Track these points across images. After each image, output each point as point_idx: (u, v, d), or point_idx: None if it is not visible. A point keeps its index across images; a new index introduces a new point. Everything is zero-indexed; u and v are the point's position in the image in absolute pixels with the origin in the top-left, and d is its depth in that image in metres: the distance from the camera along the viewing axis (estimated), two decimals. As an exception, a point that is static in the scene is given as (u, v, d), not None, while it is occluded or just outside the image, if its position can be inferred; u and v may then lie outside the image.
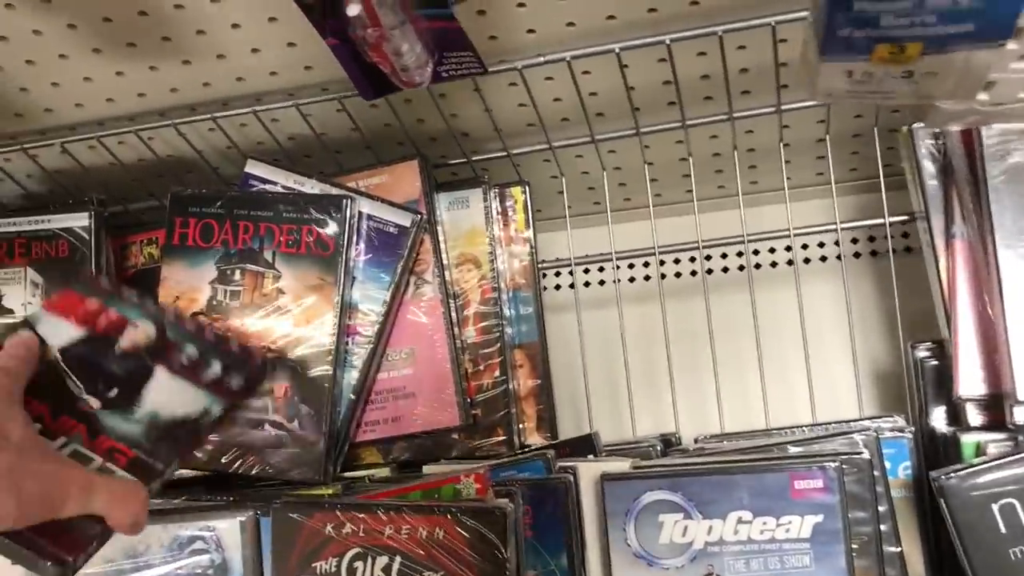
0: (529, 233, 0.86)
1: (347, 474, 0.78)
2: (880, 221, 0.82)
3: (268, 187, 0.81)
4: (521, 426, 0.82)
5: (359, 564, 0.64)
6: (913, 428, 0.74)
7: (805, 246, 0.96)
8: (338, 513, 0.65)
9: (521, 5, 0.69)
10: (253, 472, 0.74)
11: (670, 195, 0.96)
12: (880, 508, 0.68)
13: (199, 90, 0.79)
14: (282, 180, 0.81)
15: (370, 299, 0.78)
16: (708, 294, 0.85)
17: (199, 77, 0.77)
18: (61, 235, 0.82)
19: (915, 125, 0.75)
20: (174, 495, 0.73)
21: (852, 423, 0.77)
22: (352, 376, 0.77)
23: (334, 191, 0.80)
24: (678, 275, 1.00)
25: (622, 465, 0.72)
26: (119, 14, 0.69)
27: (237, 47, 0.73)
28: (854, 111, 0.83)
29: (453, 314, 0.80)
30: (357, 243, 0.79)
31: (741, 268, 0.98)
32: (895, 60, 0.39)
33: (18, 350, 0.58)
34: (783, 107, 0.79)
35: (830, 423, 0.79)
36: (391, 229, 0.79)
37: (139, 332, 0.64)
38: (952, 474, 0.64)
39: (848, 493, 0.65)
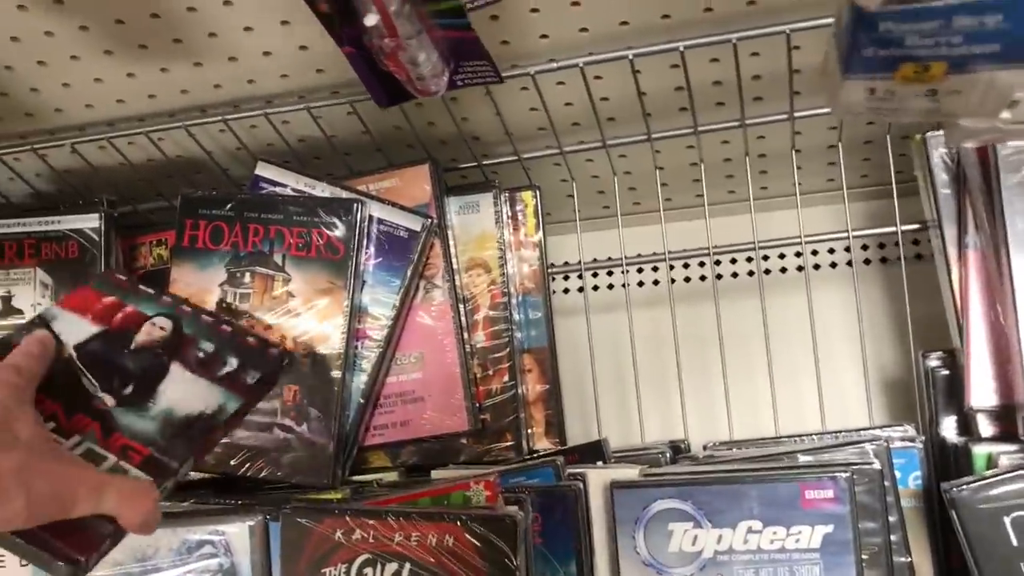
0: (539, 238, 0.85)
1: (355, 478, 0.78)
2: (892, 229, 0.82)
3: (278, 189, 0.81)
4: (529, 431, 0.82)
5: (368, 570, 0.63)
6: (923, 438, 0.74)
7: (815, 252, 0.96)
8: (348, 519, 0.65)
9: (534, 10, 0.69)
10: (262, 475, 0.74)
11: (680, 199, 0.96)
12: (890, 518, 0.67)
13: (210, 92, 0.79)
14: (292, 183, 0.81)
15: (380, 303, 0.78)
16: (718, 299, 0.84)
17: (210, 79, 0.77)
18: (71, 236, 0.82)
19: (929, 133, 0.75)
20: (182, 498, 0.73)
21: (862, 432, 0.76)
22: (361, 380, 0.77)
23: (344, 194, 0.80)
24: (687, 280, 0.99)
25: (631, 472, 0.72)
26: (131, 16, 0.69)
27: (249, 49, 0.73)
28: (867, 118, 0.82)
29: (462, 319, 0.80)
30: (367, 247, 0.79)
31: (751, 274, 0.98)
32: (919, 79, 0.39)
33: (32, 348, 0.58)
34: (796, 114, 0.78)
35: (840, 431, 0.78)
36: (401, 233, 0.79)
37: (155, 328, 0.64)
38: (964, 486, 0.64)
39: (858, 503, 0.65)
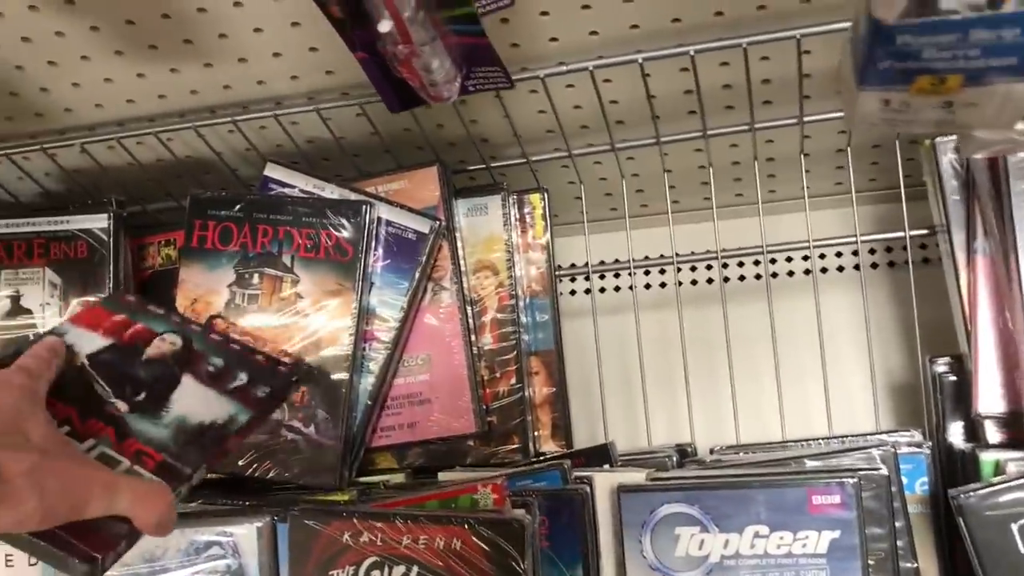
0: (546, 240, 0.85)
1: (362, 479, 0.78)
2: (900, 234, 0.82)
3: (287, 191, 0.81)
4: (536, 433, 0.82)
5: (376, 573, 0.64)
6: (930, 443, 0.74)
7: (822, 256, 0.96)
8: (355, 521, 0.65)
9: (544, 13, 0.69)
10: (269, 476, 0.74)
11: (688, 202, 0.96)
12: (897, 524, 0.67)
13: (219, 92, 0.79)
14: (301, 184, 0.81)
15: (388, 305, 0.78)
16: (726, 302, 0.84)
17: (220, 80, 0.77)
18: (80, 236, 0.82)
19: (938, 139, 0.75)
20: (190, 499, 0.74)
21: (869, 437, 0.76)
22: (369, 381, 0.77)
23: (353, 196, 0.80)
24: (694, 282, 0.99)
25: (638, 476, 0.72)
26: (142, 16, 0.69)
27: (259, 51, 0.73)
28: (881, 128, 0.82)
29: (470, 321, 0.80)
30: (375, 249, 0.79)
31: (758, 277, 0.98)
32: (935, 91, 0.39)
33: (42, 351, 0.58)
34: (805, 119, 0.78)
35: (846, 436, 0.78)
36: (409, 235, 0.79)
37: (165, 343, 0.64)
38: (971, 493, 0.64)
39: (865, 508, 0.65)
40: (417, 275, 0.78)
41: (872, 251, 0.96)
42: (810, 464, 0.71)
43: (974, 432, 0.73)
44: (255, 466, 0.75)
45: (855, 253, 0.95)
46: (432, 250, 0.79)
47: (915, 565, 0.68)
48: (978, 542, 0.63)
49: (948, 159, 0.74)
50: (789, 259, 0.96)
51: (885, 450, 0.70)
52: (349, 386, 0.75)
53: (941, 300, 0.78)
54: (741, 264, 0.98)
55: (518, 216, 0.85)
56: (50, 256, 0.82)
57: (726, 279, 0.97)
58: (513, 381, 0.81)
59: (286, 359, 0.72)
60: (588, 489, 0.70)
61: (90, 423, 0.57)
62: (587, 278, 0.98)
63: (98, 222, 0.83)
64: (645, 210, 0.97)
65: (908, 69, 0.38)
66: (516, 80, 0.72)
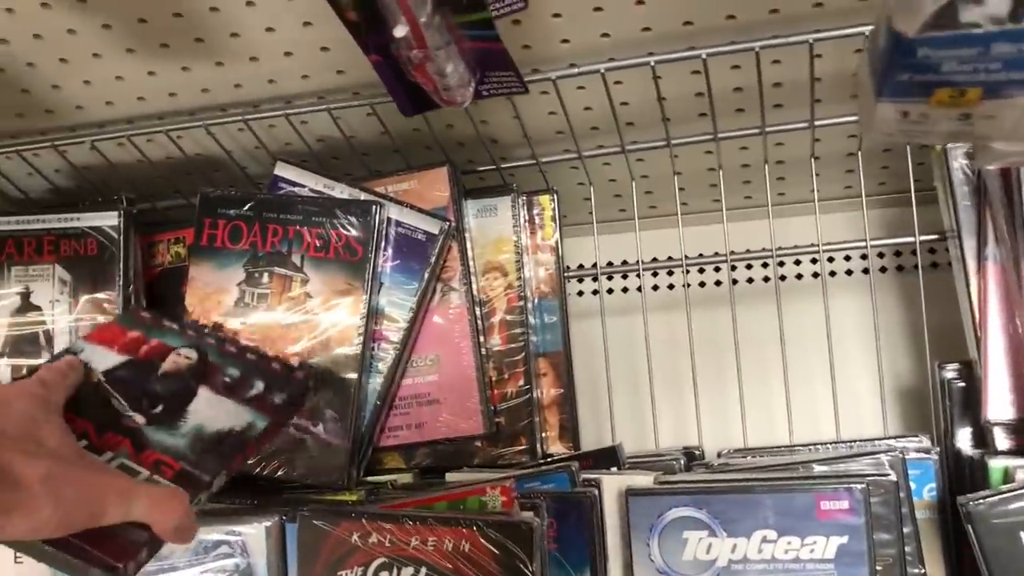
0: (555, 241, 0.85)
1: (369, 479, 0.78)
2: (910, 239, 0.81)
3: (297, 190, 0.81)
4: (544, 435, 0.82)
5: (384, 574, 0.64)
6: (938, 449, 0.73)
7: (831, 259, 0.96)
8: (364, 522, 0.65)
9: (556, 15, 0.69)
10: (277, 475, 0.74)
11: (696, 204, 0.96)
12: (905, 530, 0.67)
13: (230, 91, 0.79)
14: (311, 183, 0.81)
15: (397, 305, 0.78)
16: (735, 305, 0.84)
17: (231, 78, 0.77)
18: (90, 233, 0.82)
19: (949, 144, 0.74)
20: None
21: (877, 442, 0.76)
22: (377, 381, 0.77)
23: (363, 196, 0.80)
24: (702, 284, 0.99)
25: (646, 479, 0.72)
26: (154, 15, 0.69)
27: (270, 50, 0.73)
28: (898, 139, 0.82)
29: (479, 322, 0.80)
30: (385, 249, 0.79)
31: (766, 280, 0.98)
32: (954, 104, 0.39)
33: (58, 365, 0.58)
34: (816, 123, 0.78)
35: (854, 441, 0.78)
36: (419, 236, 0.79)
37: (180, 358, 0.65)
38: (980, 500, 0.64)
39: (873, 514, 0.65)
40: (426, 276, 0.78)
41: (881, 255, 0.95)
42: (818, 469, 0.71)
43: (982, 438, 0.73)
44: (263, 465, 0.75)
45: (864, 257, 0.95)
46: (442, 251, 0.79)
47: (922, 571, 0.68)
48: (987, 549, 0.63)
49: (959, 164, 0.74)
50: (798, 262, 0.96)
51: (893, 456, 0.70)
52: (358, 386, 0.75)
53: (949, 305, 0.78)
54: (749, 267, 0.98)
55: (527, 217, 0.85)
56: (60, 253, 0.82)
57: (734, 281, 0.97)
58: (521, 382, 0.81)
59: (300, 366, 0.72)
60: (596, 492, 0.70)
61: (107, 437, 0.57)
62: (595, 279, 0.98)
63: (108, 219, 0.83)
64: (654, 211, 0.97)
65: (928, 82, 0.38)
66: (527, 82, 0.72)
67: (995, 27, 0.36)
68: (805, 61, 0.71)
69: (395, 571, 0.64)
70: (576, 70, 0.73)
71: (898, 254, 0.95)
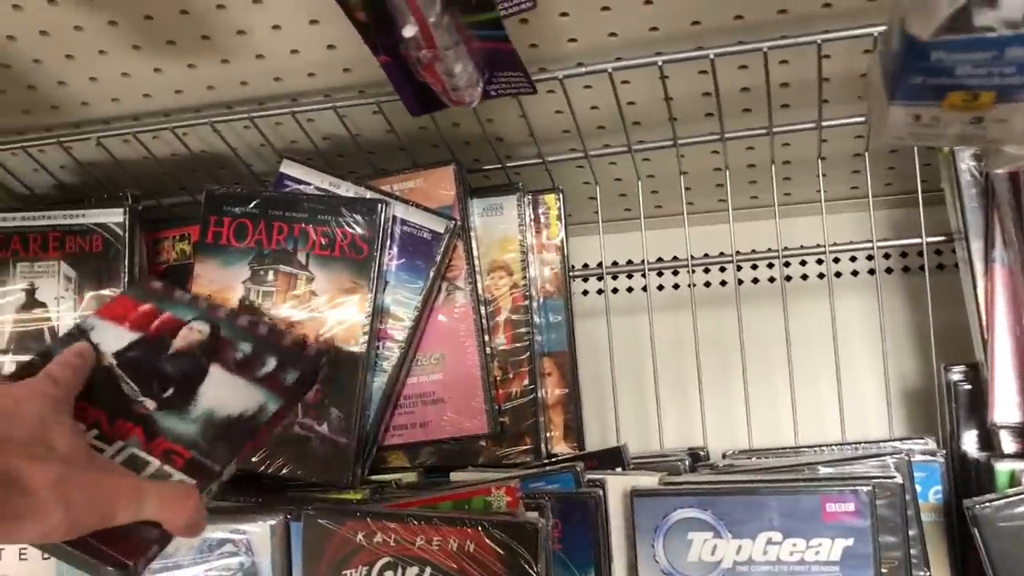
0: (561, 241, 0.85)
1: (374, 477, 0.78)
2: (917, 240, 0.81)
3: (302, 188, 0.81)
4: (548, 434, 0.82)
5: (389, 573, 0.64)
6: (944, 452, 0.73)
7: (836, 260, 0.96)
8: (369, 522, 0.65)
9: (564, 15, 0.68)
10: (282, 473, 0.74)
11: (702, 204, 0.96)
12: (910, 532, 0.67)
13: (236, 89, 0.79)
14: (316, 181, 0.81)
15: (402, 304, 0.78)
16: (740, 305, 0.84)
17: (237, 76, 0.77)
18: (95, 230, 0.82)
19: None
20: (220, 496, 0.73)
21: (882, 444, 0.76)
22: (382, 380, 0.77)
23: (369, 194, 0.80)
24: (707, 284, 0.99)
25: (651, 480, 0.72)
26: (160, 12, 0.69)
27: (276, 48, 0.73)
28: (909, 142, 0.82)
29: (484, 321, 0.80)
30: (390, 247, 0.79)
31: (771, 280, 0.97)
32: (967, 107, 0.39)
33: (69, 359, 0.58)
34: (824, 123, 0.78)
35: (859, 442, 0.78)
36: (425, 235, 0.79)
37: (192, 332, 0.64)
38: (987, 504, 0.63)
39: (879, 517, 0.65)
40: (432, 274, 0.78)
41: (887, 256, 0.95)
42: (824, 471, 0.70)
43: (989, 441, 0.72)
44: (268, 463, 0.75)
45: (869, 258, 0.95)
46: (447, 250, 0.79)
47: (928, 574, 0.68)
48: (993, 553, 0.63)
49: (967, 166, 0.74)
50: (803, 263, 0.96)
51: (899, 458, 0.70)
52: (363, 384, 0.75)
53: (954, 307, 0.78)
54: (755, 267, 0.98)
55: (533, 216, 0.85)
56: (65, 249, 0.82)
57: (740, 282, 0.97)
58: (526, 382, 0.81)
59: (313, 342, 0.72)
60: (601, 492, 0.70)
61: (118, 424, 0.57)
62: (600, 278, 0.98)
63: (113, 216, 0.82)
64: (659, 211, 0.97)
65: (940, 85, 0.38)
66: (535, 81, 0.71)
67: (1009, 31, 0.36)
68: (813, 61, 0.71)
69: (400, 571, 0.64)
70: (584, 69, 0.73)
71: (904, 255, 0.95)
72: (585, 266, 0.93)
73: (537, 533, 0.62)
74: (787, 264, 0.96)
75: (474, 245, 0.82)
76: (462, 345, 0.79)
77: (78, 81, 0.78)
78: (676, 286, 1.00)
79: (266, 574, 0.69)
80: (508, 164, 0.86)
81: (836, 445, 0.78)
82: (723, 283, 0.99)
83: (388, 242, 0.78)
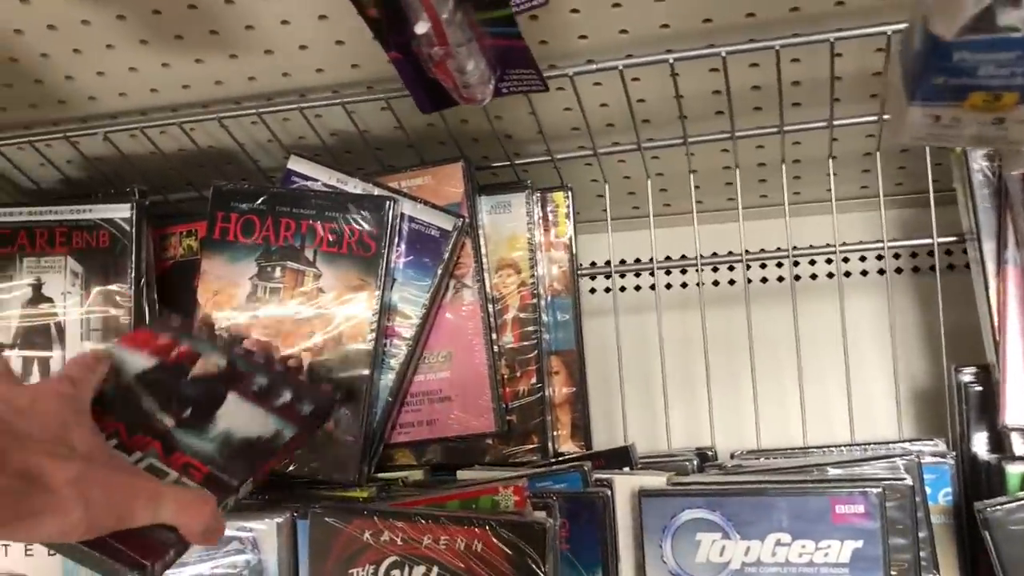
0: (569, 239, 0.85)
1: (380, 475, 0.78)
2: (928, 241, 0.81)
3: (310, 184, 0.81)
4: (555, 433, 0.82)
5: (396, 572, 0.63)
6: (954, 453, 0.73)
7: (846, 259, 0.95)
8: (376, 520, 0.65)
9: (575, 11, 0.68)
10: (288, 471, 0.74)
11: (711, 202, 0.95)
12: (920, 534, 0.67)
13: (244, 84, 0.78)
14: (324, 178, 0.81)
15: (409, 301, 0.78)
16: (750, 305, 0.84)
17: (245, 71, 0.77)
18: (102, 225, 0.82)
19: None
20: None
21: (891, 445, 0.76)
22: (389, 378, 0.77)
23: (377, 191, 0.80)
24: (716, 283, 0.99)
25: (659, 480, 0.72)
26: (168, 6, 0.69)
27: (285, 43, 0.73)
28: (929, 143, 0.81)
29: (492, 319, 0.80)
30: (398, 245, 0.78)
31: (780, 279, 0.97)
32: (988, 108, 0.38)
33: (86, 360, 0.58)
34: (835, 122, 0.77)
35: (868, 443, 0.78)
36: (433, 232, 0.78)
37: (210, 363, 0.65)
38: (998, 506, 0.63)
39: (888, 518, 0.65)
40: (439, 272, 0.78)
41: (896, 256, 0.95)
42: (833, 472, 0.70)
43: (999, 443, 0.72)
44: (274, 460, 0.74)
45: (879, 258, 0.94)
46: (455, 247, 0.79)
47: (937, 576, 0.68)
48: (1004, 556, 0.62)
49: (979, 166, 0.73)
50: (812, 262, 0.95)
51: (909, 460, 0.69)
52: (370, 382, 0.75)
53: (964, 308, 0.77)
54: (764, 266, 0.97)
55: (541, 214, 0.85)
56: (72, 245, 0.82)
57: (748, 280, 0.97)
58: (533, 380, 0.80)
59: (327, 381, 0.72)
60: (608, 492, 0.70)
61: (137, 437, 0.57)
62: (608, 277, 0.98)
63: (120, 212, 0.82)
64: (668, 209, 0.97)
65: (962, 86, 0.38)
66: (545, 78, 0.71)
67: (1033, 31, 0.35)
68: (825, 60, 0.71)
69: (407, 570, 0.63)
70: (594, 66, 0.72)
71: (913, 255, 0.94)
72: (593, 264, 0.92)
73: (545, 533, 0.62)
74: (796, 263, 0.96)
75: (482, 243, 0.82)
76: (469, 343, 0.79)
77: (85, 75, 0.77)
78: (684, 285, 0.99)
79: (272, 572, 0.69)
80: (517, 162, 0.86)
81: (845, 446, 0.78)
82: (731, 282, 0.98)
83: (396, 239, 0.78)
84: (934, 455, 0.73)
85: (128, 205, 0.82)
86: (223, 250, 0.79)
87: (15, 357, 0.79)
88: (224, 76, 0.77)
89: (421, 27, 0.49)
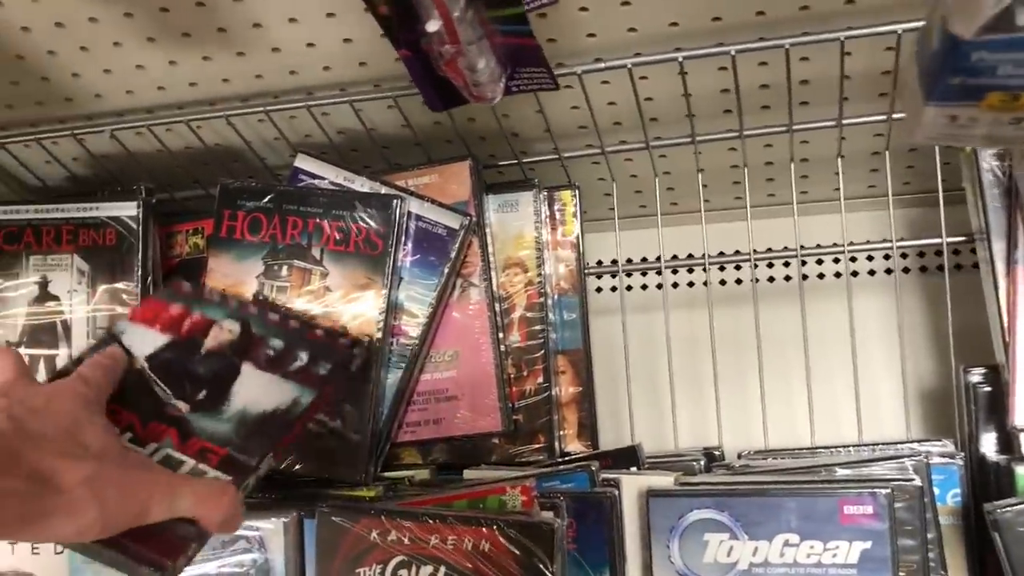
0: (576, 238, 0.84)
1: (387, 474, 0.78)
2: (937, 240, 0.80)
3: (317, 182, 0.80)
4: (561, 433, 0.82)
5: (403, 572, 0.63)
6: (963, 454, 0.73)
7: (854, 259, 0.95)
8: (384, 520, 0.65)
9: (583, 9, 0.68)
10: (295, 469, 0.74)
11: (718, 201, 0.95)
12: (928, 536, 0.67)
13: (251, 82, 0.78)
14: (331, 176, 0.81)
15: (416, 300, 0.78)
16: (758, 304, 0.83)
17: (252, 69, 0.77)
18: (109, 223, 0.82)
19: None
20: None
21: (899, 446, 0.75)
22: (396, 376, 0.77)
23: (384, 190, 0.79)
24: (723, 283, 0.98)
25: (666, 480, 0.72)
26: (176, 4, 0.69)
27: (292, 41, 0.73)
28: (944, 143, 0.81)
29: (498, 318, 0.80)
30: (405, 243, 0.78)
31: (787, 279, 0.97)
32: (1006, 107, 0.38)
33: (101, 360, 0.58)
34: (844, 121, 0.77)
35: (876, 443, 0.78)
36: (440, 231, 0.78)
37: (223, 331, 0.64)
38: (1008, 508, 0.63)
39: (897, 519, 0.64)
40: (446, 271, 0.78)
41: (904, 255, 0.94)
42: (841, 472, 0.70)
43: (1008, 444, 0.72)
44: (281, 460, 0.74)
45: (886, 257, 0.94)
46: (462, 246, 0.78)
47: (945, 578, 0.68)
48: (1013, 558, 0.62)
49: (989, 166, 0.73)
50: (820, 261, 0.95)
51: (917, 460, 0.69)
52: (376, 380, 0.75)
53: (971, 308, 0.77)
54: (771, 265, 0.97)
55: (548, 213, 0.84)
56: (79, 243, 0.81)
57: (755, 279, 0.96)
58: (540, 380, 0.80)
59: (345, 333, 0.71)
60: (616, 492, 0.70)
61: (152, 427, 0.57)
62: (615, 276, 0.97)
63: (127, 209, 0.82)
64: (675, 208, 0.96)
65: (980, 85, 0.37)
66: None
67: (1052, 31, 0.35)
68: (834, 58, 0.70)
69: (414, 570, 0.63)
70: (602, 65, 0.72)
71: (921, 255, 0.94)
72: (600, 263, 0.92)
73: (553, 533, 0.61)
74: (804, 263, 0.95)
75: (489, 242, 0.81)
76: (476, 342, 0.79)
77: (92, 73, 0.77)
78: (691, 284, 0.99)
79: (279, 571, 0.69)
80: (524, 160, 0.86)
81: (853, 446, 0.78)
82: (738, 281, 0.98)
83: (403, 238, 0.78)
84: (942, 456, 0.72)
85: (135, 203, 0.82)
86: (230, 248, 0.79)
87: (22, 355, 0.79)
88: (231, 74, 0.77)
89: (432, 25, 0.49)
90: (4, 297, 0.81)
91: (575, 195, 0.85)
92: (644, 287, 1.00)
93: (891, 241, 0.82)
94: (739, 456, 0.80)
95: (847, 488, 0.65)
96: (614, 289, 1.00)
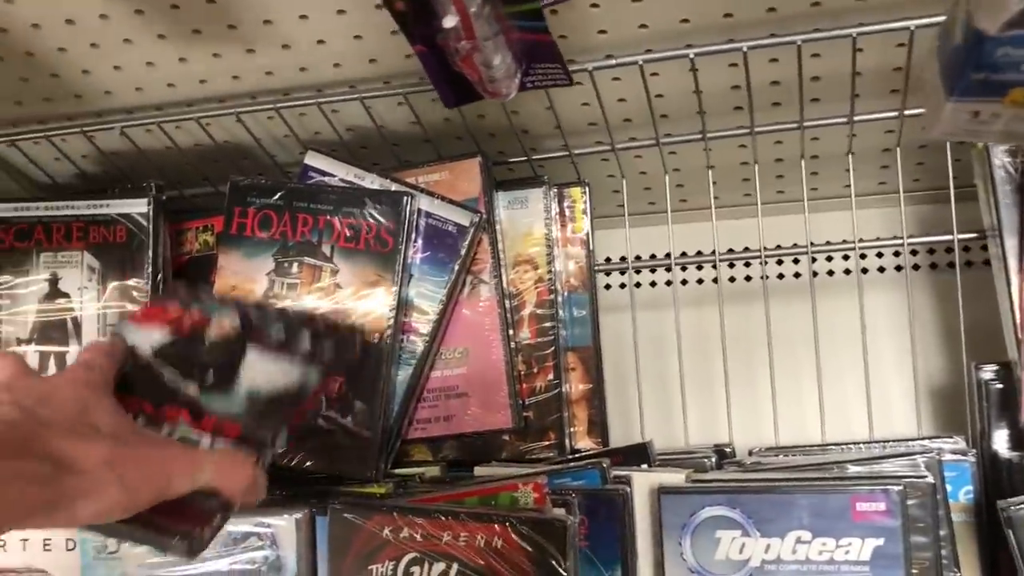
0: (586, 234, 0.84)
1: (397, 471, 0.78)
2: (949, 237, 0.80)
3: (327, 180, 0.80)
4: (572, 430, 0.81)
5: (416, 569, 0.63)
6: (975, 451, 0.72)
7: (863, 255, 0.95)
8: (396, 516, 0.65)
9: (594, 6, 0.68)
10: (306, 466, 0.74)
11: (728, 198, 0.95)
12: (940, 532, 0.66)
13: (261, 79, 0.78)
14: (341, 173, 0.81)
15: (426, 297, 0.78)
16: (768, 301, 0.83)
17: (262, 66, 0.77)
18: (119, 220, 0.82)
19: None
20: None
21: (911, 443, 0.75)
22: (406, 373, 0.77)
23: (394, 187, 0.79)
24: (732, 279, 0.98)
25: (677, 477, 0.71)
26: (186, 1, 0.69)
27: (303, 38, 0.73)
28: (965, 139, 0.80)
29: (508, 315, 0.80)
30: (415, 240, 0.78)
31: (797, 276, 0.96)
32: (1030, 103, 0.38)
33: (101, 345, 0.58)
34: (855, 118, 0.77)
35: (887, 440, 0.77)
36: (450, 228, 0.78)
37: (225, 324, 0.64)
38: (1021, 504, 0.63)
39: (909, 516, 0.64)
40: (456, 268, 0.78)
41: (914, 252, 0.94)
42: (853, 469, 0.70)
43: (1020, 441, 0.72)
44: (291, 456, 0.74)
45: (896, 254, 0.94)
46: (472, 243, 0.78)
47: (958, 575, 0.68)
48: (1027, 555, 0.62)
49: (1001, 162, 0.73)
50: (830, 258, 0.95)
51: (930, 457, 0.69)
52: (387, 377, 0.75)
53: (982, 304, 0.77)
54: (780, 262, 0.97)
55: (558, 210, 0.84)
56: (89, 240, 0.81)
57: (764, 276, 0.96)
58: (550, 376, 0.80)
59: (344, 322, 0.71)
60: (627, 489, 0.70)
61: (164, 410, 0.56)
62: (624, 273, 0.97)
63: (137, 207, 0.82)
64: (685, 205, 0.96)
65: (1004, 81, 0.37)
66: (566, 73, 0.71)
67: (1076, 26, 0.35)
68: (845, 55, 0.70)
69: (427, 566, 0.63)
70: (613, 61, 0.72)
71: (932, 251, 0.94)
72: (609, 260, 0.92)
73: (566, 530, 0.62)
74: (814, 260, 0.95)
75: (499, 238, 0.81)
76: (486, 339, 0.79)
77: (102, 70, 0.77)
78: (701, 281, 0.99)
79: (291, 568, 0.69)
80: (533, 157, 0.86)
81: (864, 443, 0.78)
82: (748, 278, 0.98)
83: (413, 235, 0.78)
84: (954, 453, 0.72)
85: (145, 200, 0.82)
86: (240, 245, 0.79)
87: (32, 352, 0.79)
88: (241, 71, 0.77)
89: (449, 20, 0.49)
90: (15, 294, 0.81)
91: (585, 192, 0.85)
92: (654, 284, 1.00)
93: (902, 238, 0.82)
94: (750, 453, 0.80)
95: (859, 485, 0.65)
96: (623, 286, 1.00)
